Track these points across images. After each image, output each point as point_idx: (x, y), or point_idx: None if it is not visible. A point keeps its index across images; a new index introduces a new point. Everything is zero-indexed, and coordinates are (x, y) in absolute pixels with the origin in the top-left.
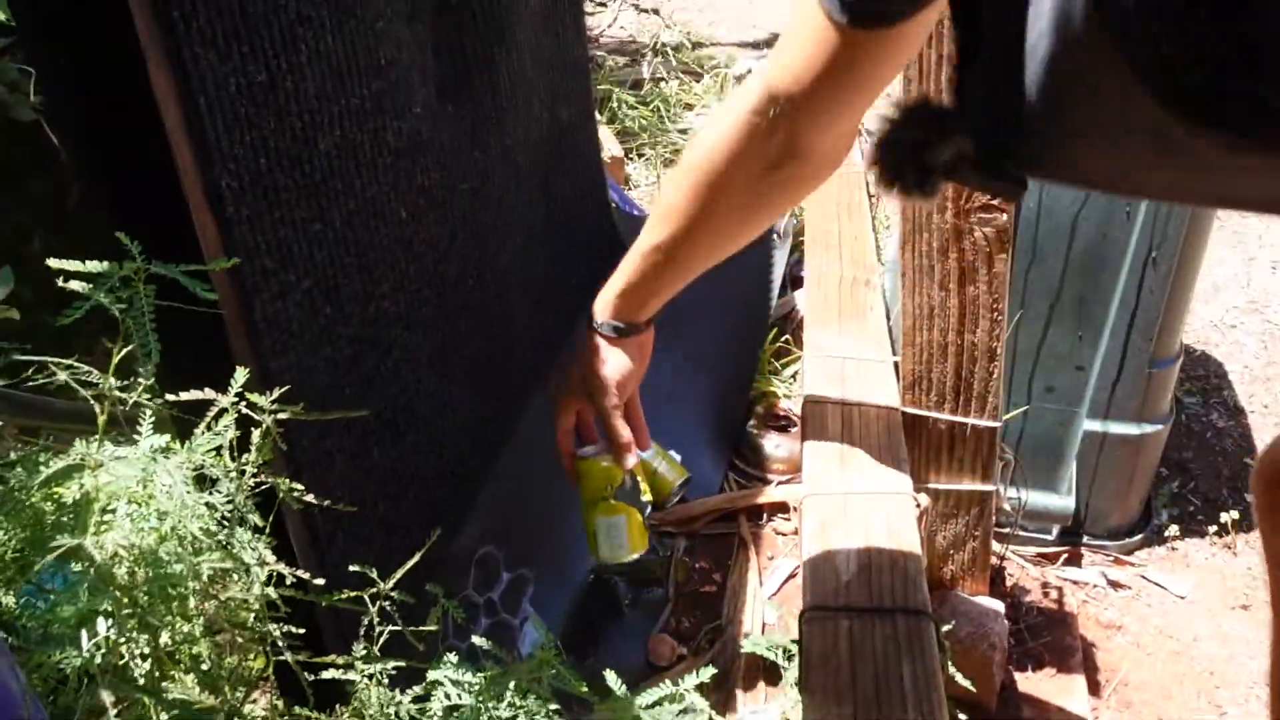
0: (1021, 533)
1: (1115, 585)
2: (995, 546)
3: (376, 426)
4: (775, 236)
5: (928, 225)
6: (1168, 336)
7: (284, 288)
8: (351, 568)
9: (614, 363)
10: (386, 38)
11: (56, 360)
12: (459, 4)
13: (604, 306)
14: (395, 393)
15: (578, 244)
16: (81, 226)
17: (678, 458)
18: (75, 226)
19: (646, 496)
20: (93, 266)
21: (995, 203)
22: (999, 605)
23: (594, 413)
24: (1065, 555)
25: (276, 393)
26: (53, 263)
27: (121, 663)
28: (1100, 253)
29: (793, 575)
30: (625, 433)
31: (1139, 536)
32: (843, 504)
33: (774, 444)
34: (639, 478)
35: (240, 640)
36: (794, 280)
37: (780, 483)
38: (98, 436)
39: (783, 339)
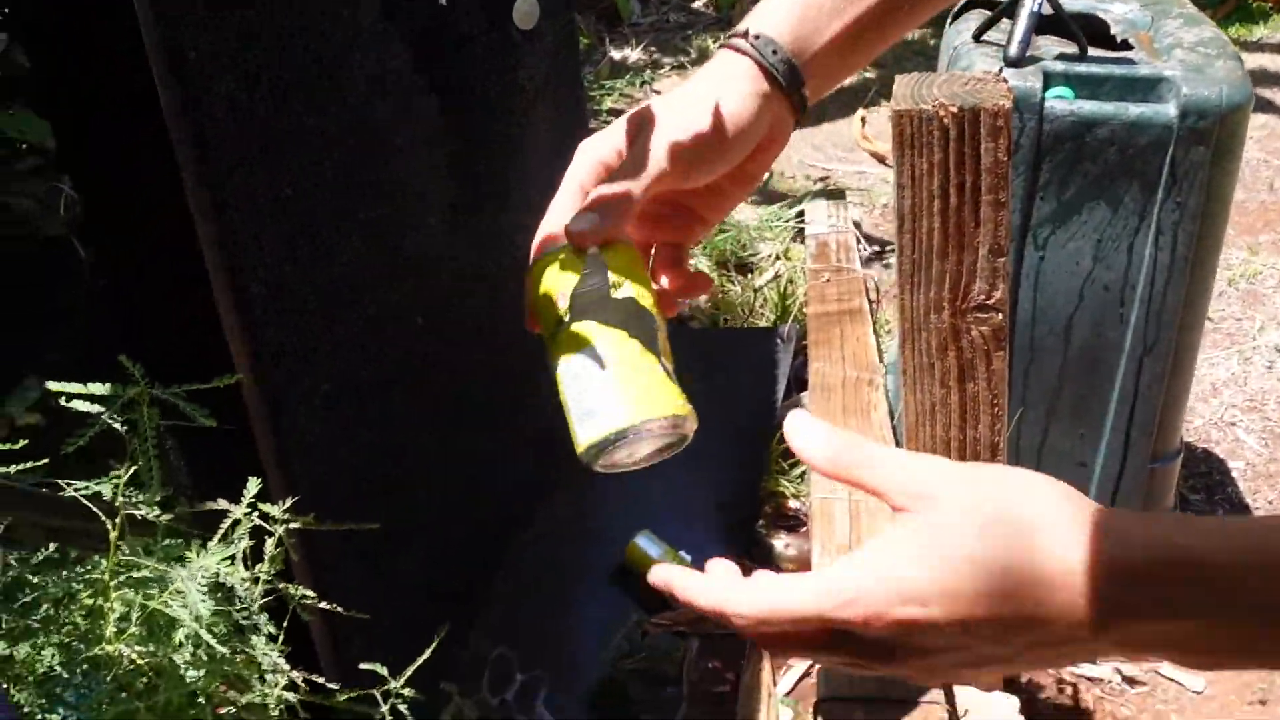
0: None
1: (1131, 681)
2: None
3: (393, 528)
4: (779, 340)
5: (925, 324)
6: (1168, 432)
7: (307, 391)
8: (362, 666)
9: (714, 117)
10: (402, 159)
11: (69, 482)
12: (473, 129)
13: (767, 15)
14: (411, 493)
15: None
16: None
17: (688, 558)
18: (98, 336)
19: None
20: (95, 388)
21: (990, 302)
22: (1014, 700)
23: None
24: None
25: (289, 502)
26: (52, 385)
27: None
28: (1096, 352)
29: (807, 674)
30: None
31: None
32: None
33: (783, 544)
34: (638, 287)
35: None
36: (799, 382)
37: None
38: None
39: None
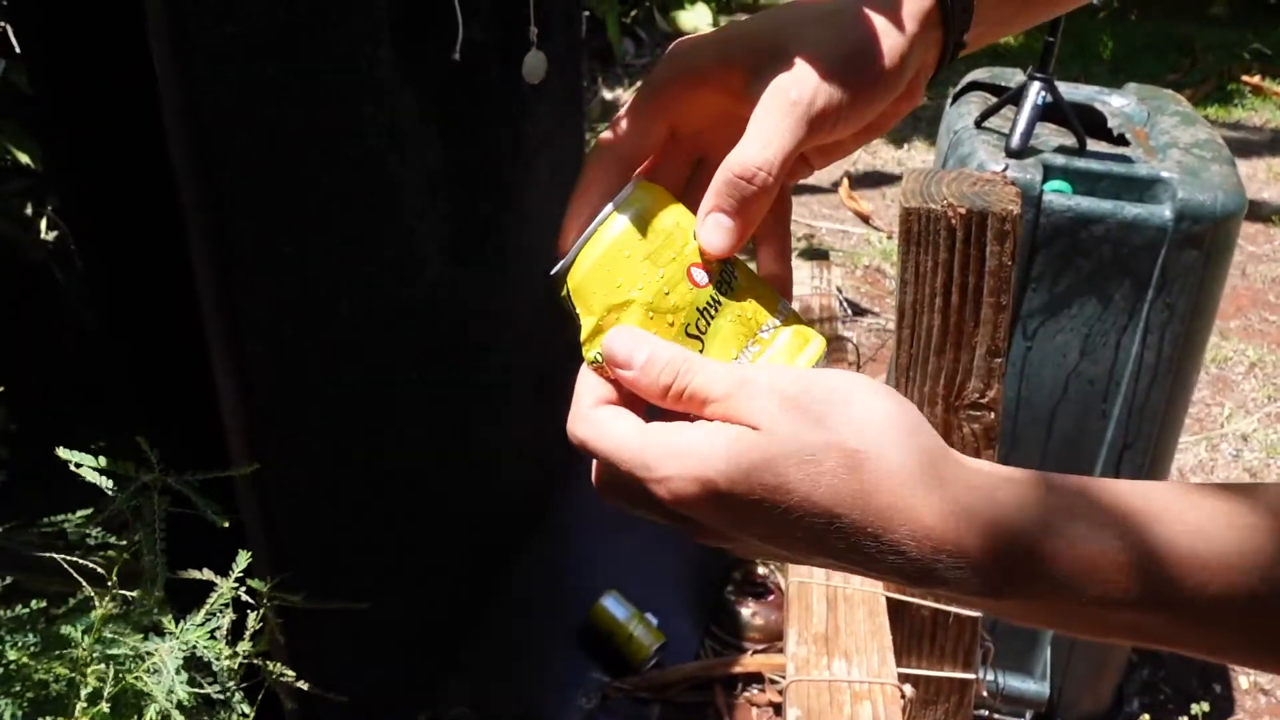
0: (995, 715)
1: None
2: None
3: (371, 586)
4: None
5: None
6: None
7: (296, 451)
8: None
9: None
10: (409, 208)
11: (68, 558)
12: (473, 174)
13: None
14: (391, 553)
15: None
16: (82, 366)
17: (654, 621)
18: (75, 365)
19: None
20: (104, 462)
21: (984, 401)
22: None
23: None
24: None
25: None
26: (63, 453)
27: None
28: (1077, 444)
29: None
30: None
31: None
32: (828, 693)
33: (751, 612)
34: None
35: None
36: None
37: (756, 651)
38: (94, 623)
39: None
